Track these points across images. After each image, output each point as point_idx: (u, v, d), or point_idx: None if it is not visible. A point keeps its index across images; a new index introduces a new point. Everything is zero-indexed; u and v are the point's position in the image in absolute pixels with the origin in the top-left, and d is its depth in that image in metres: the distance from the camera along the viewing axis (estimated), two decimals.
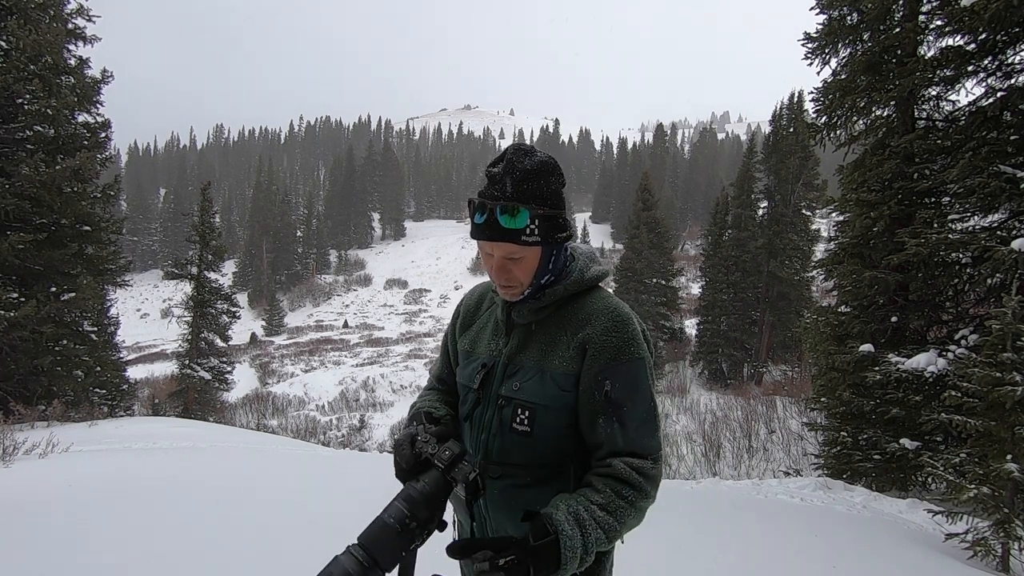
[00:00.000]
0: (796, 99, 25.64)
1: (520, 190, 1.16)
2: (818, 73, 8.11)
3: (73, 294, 11.67)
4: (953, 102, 7.38)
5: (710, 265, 25.80)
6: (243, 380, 25.94)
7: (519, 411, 1.22)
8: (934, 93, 7.37)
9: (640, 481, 1.16)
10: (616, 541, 1.17)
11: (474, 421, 1.31)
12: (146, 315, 55.12)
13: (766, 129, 28.23)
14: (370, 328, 44.49)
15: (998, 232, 6.38)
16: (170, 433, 9.25)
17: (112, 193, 13.53)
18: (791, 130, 24.32)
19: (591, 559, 1.10)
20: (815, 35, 7.94)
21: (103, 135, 13.08)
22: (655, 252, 27.72)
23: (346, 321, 48.07)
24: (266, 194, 67.89)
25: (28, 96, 11.37)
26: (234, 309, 19.11)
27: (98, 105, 13.11)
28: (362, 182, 78.51)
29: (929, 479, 7.04)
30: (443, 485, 1.09)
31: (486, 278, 1.45)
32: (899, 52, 7.31)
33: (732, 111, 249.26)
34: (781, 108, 26.34)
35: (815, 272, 17.87)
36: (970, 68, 6.81)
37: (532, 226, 1.16)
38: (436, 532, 1.12)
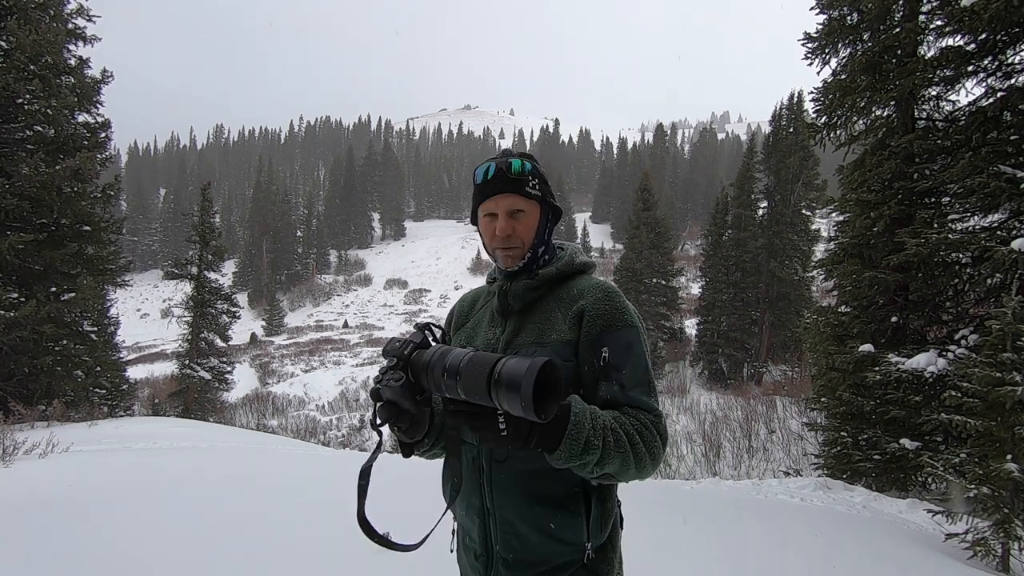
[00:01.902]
0: (796, 99, 25.62)
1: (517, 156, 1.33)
2: (818, 73, 8.12)
3: (73, 294, 11.68)
4: (953, 102, 7.38)
5: (710, 265, 25.80)
6: (243, 380, 25.94)
7: None
8: (934, 93, 7.37)
9: (647, 422, 1.16)
10: (622, 459, 1.09)
11: None
12: (146, 315, 55.10)
13: (766, 129, 28.22)
14: (370, 328, 44.47)
15: (998, 232, 6.38)
16: (170, 433, 9.26)
17: (112, 193, 13.53)
18: (791, 130, 24.33)
19: (593, 455, 1.05)
20: (815, 35, 7.94)
21: (103, 135, 13.09)
22: (655, 252, 27.71)
23: (346, 321, 48.05)
24: (266, 194, 67.86)
25: (28, 96, 11.37)
26: (234, 309, 19.11)
27: (98, 105, 13.12)
28: (362, 182, 78.52)
29: (929, 479, 7.04)
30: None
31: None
32: (899, 52, 7.31)
33: (732, 111, 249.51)
34: (781, 108, 26.31)
35: (815, 272, 17.86)
36: (970, 68, 6.81)
37: (533, 180, 1.30)
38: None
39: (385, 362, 1.11)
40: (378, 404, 1.07)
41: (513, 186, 1.28)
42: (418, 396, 1.07)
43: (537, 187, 1.31)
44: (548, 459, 1.05)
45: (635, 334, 1.24)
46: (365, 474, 1.12)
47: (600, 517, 1.24)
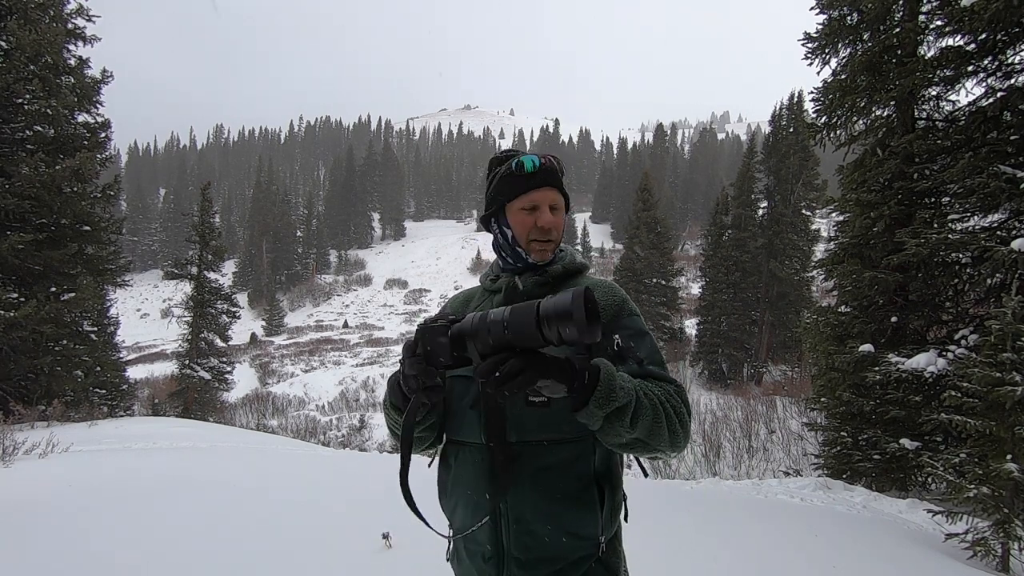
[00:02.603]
0: (796, 99, 25.64)
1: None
2: (818, 73, 8.12)
3: (73, 294, 11.68)
4: (953, 102, 7.38)
5: (710, 265, 25.80)
6: (243, 380, 25.95)
7: None
8: (934, 93, 7.37)
9: (671, 391, 1.18)
10: (654, 415, 1.09)
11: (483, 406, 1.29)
12: (146, 315, 55.11)
13: (766, 129, 28.23)
14: (370, 328, 44.49)
15: (998, 232, 6.39)
16: (170, 433, 9.26)
17: (112, 193, 13.54)
18: (791, 130, 24.35)
19: (627, 397, 1.05)
20: (815, 35, 7.94)
21: (103, 135, 13.10)
22: (655, 252, 27.73)
23: (346, 321, 48.06)
24: (266, 194, 67.88)
25: (28, 96, 11.38)
26: (234, 309, 19.12)
27: (98, 105, 13.13)
28: (362, 182, 78.53)
29: (929, 479, 7.04)
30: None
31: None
32: (899, 52, 7.31)
33: (732, 111, 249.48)
34: (781, 108, 26.33)
35: (815, 272, 17.87)
36: (970, 68, 6.81)
37: (562, 180, 1.36)
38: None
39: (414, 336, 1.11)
40: (417, 349, 1.06)
41: (556, 180, 1.32)
42: (455, 352, 1.05)
43: (563, 186, 1.37)
44: (581, 415, 1.03)
45: (642, 322, 1.30)
46: (408, 441, 1.14)
47: (611, 510, 1.23)
